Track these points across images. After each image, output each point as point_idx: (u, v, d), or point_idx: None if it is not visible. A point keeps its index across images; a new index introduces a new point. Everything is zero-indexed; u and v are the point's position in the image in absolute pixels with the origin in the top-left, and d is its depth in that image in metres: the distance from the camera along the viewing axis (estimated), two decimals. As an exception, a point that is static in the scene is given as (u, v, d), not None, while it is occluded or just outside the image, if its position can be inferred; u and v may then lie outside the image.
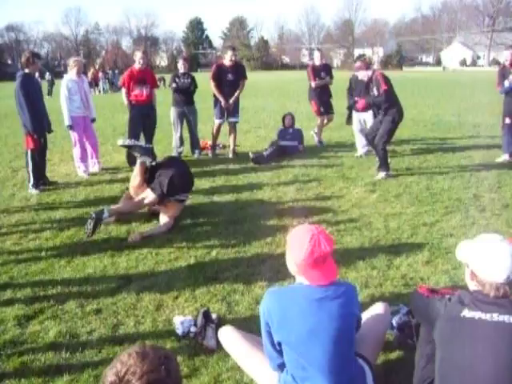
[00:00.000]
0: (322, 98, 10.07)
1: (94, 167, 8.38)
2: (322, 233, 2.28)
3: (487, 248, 2.12)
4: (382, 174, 7.48)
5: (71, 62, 8.01)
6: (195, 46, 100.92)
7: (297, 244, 2.28)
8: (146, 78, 8.43)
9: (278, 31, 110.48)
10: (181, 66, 9.31)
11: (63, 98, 7.75)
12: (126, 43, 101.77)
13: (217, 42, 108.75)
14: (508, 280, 2.06)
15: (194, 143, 9.54)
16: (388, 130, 7.30)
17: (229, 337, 2.77)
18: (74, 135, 8.00)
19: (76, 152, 8.12)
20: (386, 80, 7.19)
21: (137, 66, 8.39)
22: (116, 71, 39.31)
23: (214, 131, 9.55)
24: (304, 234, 2.28)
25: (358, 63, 7.49)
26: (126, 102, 8.50)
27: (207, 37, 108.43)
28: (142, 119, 8.49)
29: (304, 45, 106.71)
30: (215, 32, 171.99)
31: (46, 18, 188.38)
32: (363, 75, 7.47)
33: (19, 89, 6.70)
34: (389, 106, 7.22)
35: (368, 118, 8.64)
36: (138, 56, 8.38)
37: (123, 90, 8.48)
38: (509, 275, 2.05)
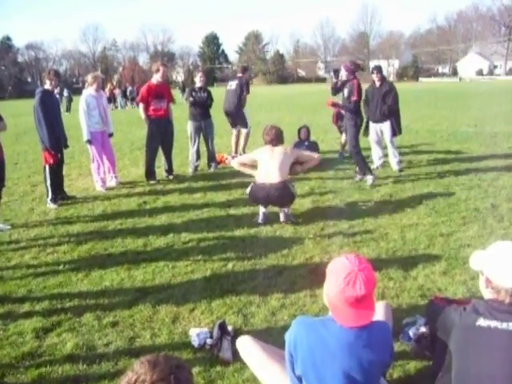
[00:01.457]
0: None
1: (111, 181, 8.45)
2: (363, 270, 2.03)
3: (501, 254, 2.10)
4: (369, 179, 7.72)
5: (90, 77, 8.09)
6: (211, 61, 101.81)
7: (332, 277, 2.08)
8: (164, 92, 8.50)
9: (293, 45, 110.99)
10: (199, 79, 9.38)
11: (82, 113, 7.83)
12: (142, 59, 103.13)
13: (232, 56, 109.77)
14: None
15: (211, 157, 9.58)
16: (353, 135, 7.66)
17: (247, 346, 2.72)
18: (92, 150, 8.09)
19: (94, 167, 8.20)
20: (359, 91, 7.49)
21: (155, 80, 8.46)
22: (132, 87, 39.56)
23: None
24: (342, 268, 2.06)
25: (349, 64, 7.72)
26: (143, 116, 8.52)
27: (223, 51, 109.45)
28: (161, 134, 8.55)
29: (319, 58, 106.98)
30: (231, 47, 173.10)
31: (64, 36, 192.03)
32: (344, 75, 7.66)
33: (38, 105, 6.80)
34: (353, 113, 7.58)
35: (385, 128, 8.63)
36: (161, 71, 8.42)
37: (141, 105, 8.52)
38: None
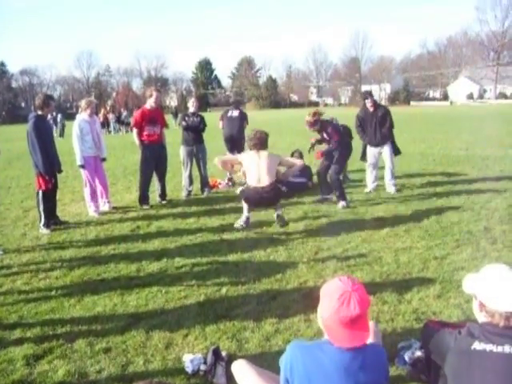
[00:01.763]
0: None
1: (104, 206, 8.43)
2: (357, 291, 2.03)
3: (494, 277, 2.10)
4: (341, 203, 7.82)
5: (83, 103, 8.11)
6: (204, 86, 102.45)
7: (326, 299, 2.08)
8: (157, 117, 8.52)
9: (285, 70, 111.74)
10: (192, 105, 9.45)
11: (75, 137, 7.83)
12: (136, 84, 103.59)
13: (225, 81, 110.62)
14: None
15: (204, 182, 9.58)
16: (340, 163, 7.89)
17: (242, 370, 2.66)
18: (85, 175, 8.07)
19: (87, 191, 8.17)
20: (337, 131, 7.71)
21: (149, 105, 8.49)
22: (128, 112, 39.74)
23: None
24: (336, 288, 2.05)
25: (310, 119, 7.66)
26: (137, 142, 8.51)
27: (216, 77, 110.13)
28: (154, 159, 8.55)
29: (312, 83, 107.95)
30: (224, 72, 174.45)
31: (58, 62, 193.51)
32: (313, 129, 7.82)
33: (32, 130, 6.80)
34: (340, 148, 7.76)
35: (386, 150, 8.78)
36: (154, 96, 8.46)
37: (134, 131, 8.52)
38: None
